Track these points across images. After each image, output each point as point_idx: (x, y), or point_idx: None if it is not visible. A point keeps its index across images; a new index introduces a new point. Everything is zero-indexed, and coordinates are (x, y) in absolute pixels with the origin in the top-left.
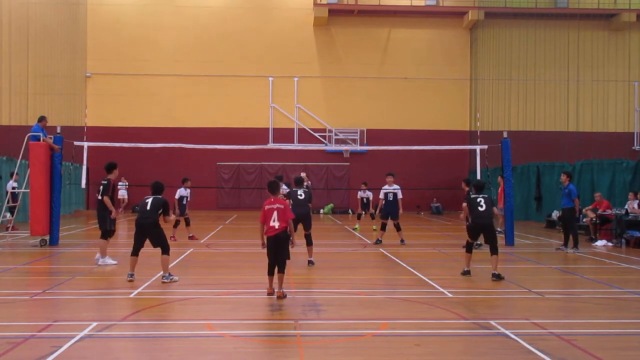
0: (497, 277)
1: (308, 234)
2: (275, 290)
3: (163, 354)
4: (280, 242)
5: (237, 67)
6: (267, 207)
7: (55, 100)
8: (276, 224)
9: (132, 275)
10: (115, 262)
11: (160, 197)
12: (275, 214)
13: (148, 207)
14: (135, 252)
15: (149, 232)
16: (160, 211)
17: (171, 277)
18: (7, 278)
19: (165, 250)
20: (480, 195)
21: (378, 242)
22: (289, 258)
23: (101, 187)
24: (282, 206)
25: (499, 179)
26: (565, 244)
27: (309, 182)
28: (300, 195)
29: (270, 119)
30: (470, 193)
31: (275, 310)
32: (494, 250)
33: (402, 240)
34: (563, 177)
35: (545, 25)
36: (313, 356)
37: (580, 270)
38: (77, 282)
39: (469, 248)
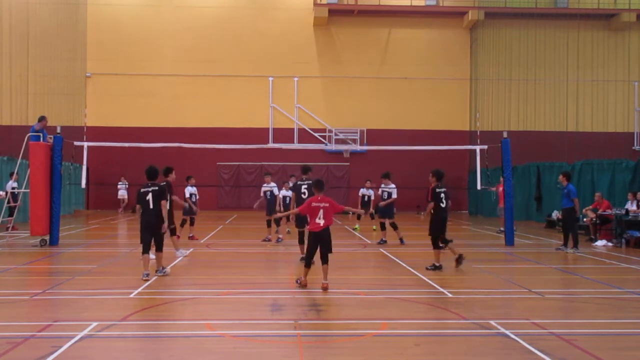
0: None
1: None
2: (322, 281)
3: (163, 354)
4: (324, 238)
5: (237, 67)
6: (313, 204)
7: (55, 100)
8: (321, 222)
9: (147, 274)
10: (187, 252)
11: (156, 186)
12: (321, 212)
13: (151, 206)
14: (146, 251)
15: (155, 230)
16: (162, 200)
17: (164, 271)
18: (7, 278)
19: (160, 248)
20: (443, 189)
21: (382, 242)
22: (331, 252)
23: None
24: (328, 204)
25: (501, 179)
26: (565, 244)
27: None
28: (304, 193)
29: (270, 119)
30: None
31: (275, 310)
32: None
33: (401, 240)
34: (561, 178)
35: (545, 25)
36: (313, 356)
37: (580, 270)
38: (77, 282)
39: (438, 244)
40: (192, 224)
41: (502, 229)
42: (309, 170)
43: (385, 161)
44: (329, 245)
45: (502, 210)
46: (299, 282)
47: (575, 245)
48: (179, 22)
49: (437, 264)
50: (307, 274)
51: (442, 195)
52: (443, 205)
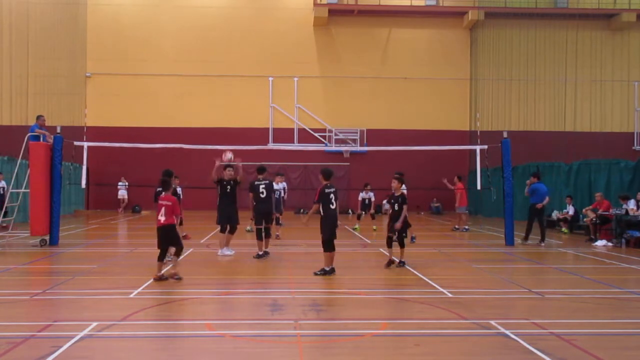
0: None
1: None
2: (158, 273)
3: (163, 354)
4: (164, 234)
5: (237, 67)
6: (160, 202)
7: (55, 100)
8: (162, 218)
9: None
10: (232, 252)
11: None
12: (163, 209)
13: None
14: None
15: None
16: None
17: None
18: (7, 278)
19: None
20: (333, 189)
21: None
22: (180, 247)
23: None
24: (170, 203)
25: (455, 178)
26: (526, 238)
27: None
28: (262, 192)
29: (270, 119)
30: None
31: (275, 310)
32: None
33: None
34: (532, 179)
35: (545, 25)
36: (313, 356)
37: (580, 270)
38: (77, 282)
39: (333, 247)
40: (180, 223)
41: (457, 226)
42: (264, 170)
43: (385, 161)
44: (174, 241)
45: (460, 209)
46: (157, 278)
47: (526, 238)
48: (179, 22)
49: (327, 268)
50: (161, 268)
51: (332, 195)
52: (333, 207)
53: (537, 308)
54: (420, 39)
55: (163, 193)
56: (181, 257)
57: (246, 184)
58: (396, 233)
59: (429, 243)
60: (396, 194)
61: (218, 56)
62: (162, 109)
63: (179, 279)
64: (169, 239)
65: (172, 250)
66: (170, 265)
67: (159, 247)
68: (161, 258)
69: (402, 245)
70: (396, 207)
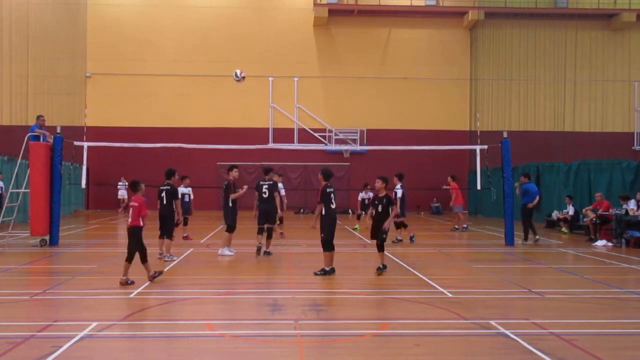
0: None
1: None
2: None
3: (163, 354)
4: (130, 234)
5: (237, 67)
6: (130, 202)
7: (55, 100)
8: (128, 219)
9: (161, 253)
10: (232, 252)
11: (169, 185)
12: (131, 210)
13: (165, 202)
14: (161, 235)
15: (164, 220)
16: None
17: (171, 257)
18: (7, 278)
19: (165, 236)
20: (332, 189)
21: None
22: (140, 251)
23: (224, 187)
24: (137, 204)
25: (449, 178)
26: (526, 238)
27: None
28: (264, 192)
29: (270, 119)
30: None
31: (275, 310)
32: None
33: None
34: (522, 179)
35: (545, 25)
36: (313, 356)
37: (580, 270)
38: (77, 282)
39: (332, 246)
40: (185, 224)
41: (456, 226)
42: (270, 171)
43: (385, 161)
44: (135, 243)
45: (457, 208)
46: (128, 282)
47: (526, 238)
48: (179, 22)
49: (327, 268)
50: (149, 268)
51: (332, 195)
52: (333, 207)
53: (537, 308)
54: (420, 39)
55: (134, 194)
56: (181, 257)
57: (248, 184)
58: (383, 237)
59: (429, 243)
60: (380, 195)
61: (218, 56)
62: (162, 109)
63: (131, 282)
64: (131, 239)
65: (163, 248)
66: (171, 265)
67: (135, 251)
68: (144, 260)
69: (380, 250)
70: (380, 209)
